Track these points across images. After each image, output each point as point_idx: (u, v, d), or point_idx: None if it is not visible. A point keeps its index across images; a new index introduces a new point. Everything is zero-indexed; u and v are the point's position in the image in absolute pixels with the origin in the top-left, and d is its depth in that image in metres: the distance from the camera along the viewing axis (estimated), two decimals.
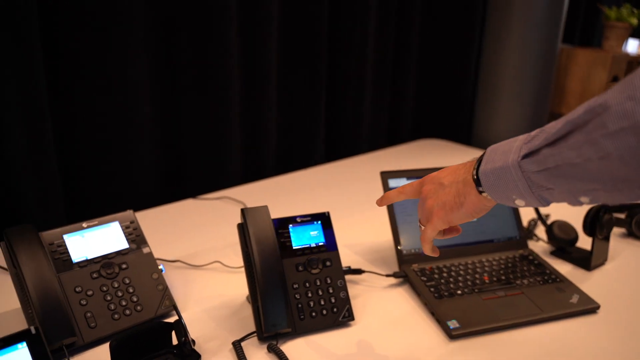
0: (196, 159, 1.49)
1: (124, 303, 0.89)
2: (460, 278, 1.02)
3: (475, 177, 0.62)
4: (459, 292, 0.98)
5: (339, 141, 1.85)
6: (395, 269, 1.08)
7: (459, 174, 0.65)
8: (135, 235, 0.96)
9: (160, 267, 0.97)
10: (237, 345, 0.85)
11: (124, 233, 0.95)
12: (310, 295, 0.89)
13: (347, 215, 1.34)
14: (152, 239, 1.07)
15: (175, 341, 0.81)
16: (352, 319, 0.91)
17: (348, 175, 1.65)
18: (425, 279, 1.01)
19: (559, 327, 0.92)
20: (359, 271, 1.05)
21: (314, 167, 1.72)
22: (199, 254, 1.15)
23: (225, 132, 1.49)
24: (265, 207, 0.91)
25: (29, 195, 1.22)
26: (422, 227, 0.71)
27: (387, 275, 1.05)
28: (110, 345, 0.74)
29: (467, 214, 0.64)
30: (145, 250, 0.96)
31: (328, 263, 0.92)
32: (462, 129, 2.13)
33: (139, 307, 0.90)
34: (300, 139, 1.72)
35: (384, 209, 1.23)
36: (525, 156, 0.56)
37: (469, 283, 1.01)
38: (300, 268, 0.91)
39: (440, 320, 0.91)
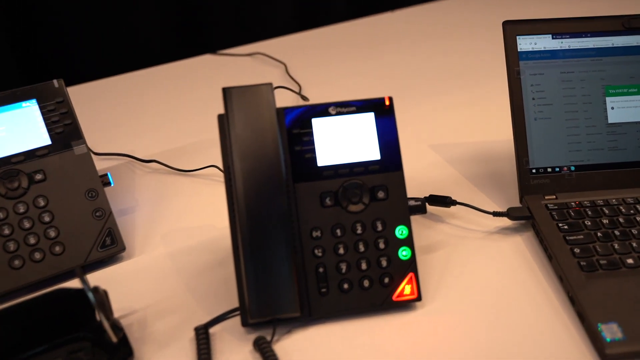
0: None
1: (32, 241, 0.63)
2: (635, 232, 0.62)
3: None
4: (631, 261, 0.59)
5: None
6: (511, 202, 0.71)
7: None
8: (62, 124, 0.67)
9: (107, 175, 0.67)
10: (201, 334, 0.52)
11: (44, 120, 0.66)
12: (341, 251, 0.58)
13: (422, 101, 0.97)
14: (130, 117, 0.94)
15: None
16: (418, 298, 0.58)
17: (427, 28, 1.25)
18: (566, 227, 0.64)
19: None
20: (442, 202, 0.70)
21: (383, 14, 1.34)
22: (191, 150, 0.87)
23: None
24: (268, 87, 0.57)
25: None
26: None
27: (494, 214, 0.68)
28: None
29: None
30: (79, 149, 0.67)
31: (381, 194, 0.59)
32: None
33: (57, 248, 0.63)
34: None
35: (493, 89, 0.87)
36: None
37: None
38: (329, 202, 0.58)
39: (587, 320, 0.54)
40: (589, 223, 0.64)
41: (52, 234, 0.62)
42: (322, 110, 0.59)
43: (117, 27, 1.20)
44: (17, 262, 0.61)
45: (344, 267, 0.57)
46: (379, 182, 0.59)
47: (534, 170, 0.69)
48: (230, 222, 0.56)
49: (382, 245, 0.58)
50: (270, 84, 0.57)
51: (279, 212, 0.54)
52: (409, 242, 0.58)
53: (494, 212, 0.68)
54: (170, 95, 1.04)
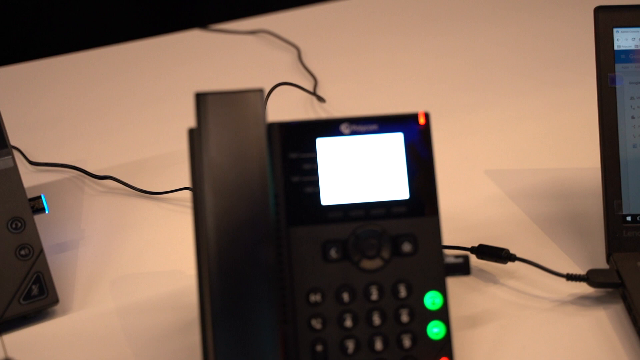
0: None
1: None
2: None
3: None
4: None
5: None
6: (595, 260, 0.73)
7: None
8: None
9: (41, 199, 0.70)
10: None
11: None
12: (349, 323, 0.59)
13: (479, 110, 0.99)
14: (83, 113, 0.99)
15: None
16: None
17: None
18: None
19: None
20: (496, 255, 0.70)
21: None
22: (161, 165, 0.89)
23: None
24: (257, 94, 0.58)
25: None
26: None
27: (568, 277, 0.68)
28: None
29: None
30: (3, 163, 0.69)
31: (407, 247, 0.59)
32: None
33: None
34: None
35: (577, 97, 0.89)
36: None
37: None
38: (334, 254, 0.59)
39: None
40: None
41: None
42: (332, 127, 0.60)
43: None
44: None
45: (351, 345, 0.58)
46: (406, 230, 0.60)
47: (628, 218, 0.70)
48: (197, 274, 0.57)
49: (405, 318, 0.59)
50: (261, 90, 0.58)
51: (263, 267, 0.55)
52: (443, 314, 0.59)
53: (568, 274, 0.68)
54: (139, 85, 1.07)
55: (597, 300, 0.68)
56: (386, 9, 1.30)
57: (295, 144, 0.60)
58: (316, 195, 0.59)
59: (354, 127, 0.60)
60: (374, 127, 0.60)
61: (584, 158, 0.80)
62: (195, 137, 0.57)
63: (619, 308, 0.67)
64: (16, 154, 0.88)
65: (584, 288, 0.68)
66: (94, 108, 1.01)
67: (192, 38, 1.21)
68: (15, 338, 0.65)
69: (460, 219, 0.78)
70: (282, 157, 0.59)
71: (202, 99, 0.57)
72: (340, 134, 0.60)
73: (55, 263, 0.71)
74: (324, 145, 0.60)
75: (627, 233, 0.69)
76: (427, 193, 0.60)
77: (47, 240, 0.73)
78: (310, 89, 1.01)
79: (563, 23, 1.19)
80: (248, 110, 0.57)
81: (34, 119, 0.97)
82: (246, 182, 0.56)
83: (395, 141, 0.60)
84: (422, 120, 0.61)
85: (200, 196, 0.56)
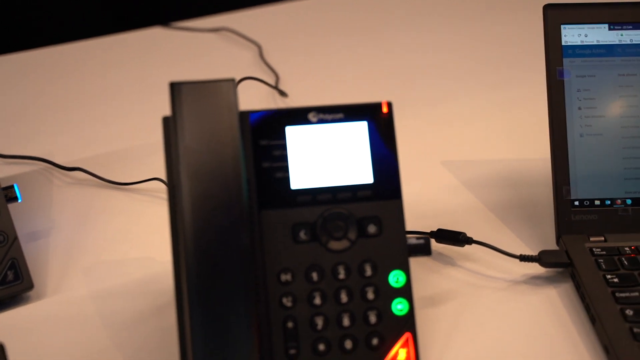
0: None
1: None
2: None
3: None
4: None
5: None
6: (545, 242, 0.76)
7: None
8: None
9: (13, 188, 0.71)
10: None
11: None
12: (318, 301, 0.61)
13: (435, 104, 1.02)
14: (50, 107, 1.00)
15: None
16: None
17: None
18: (617, 280, 0.67)
19: None
20: (454, 239, 0.73)
21: None
22: (129, 156, 0.91)
23: None
24: (229, 84, 0.60)
25: None
26: None
27: (521, 258, 0.71)
28: None
29: None
30: None
31: (372, 228, 0.62)
32: None
33: None
34: None
35: (527, 92, 0.90)
36: None
37: None
38: (303, 236, 0.61)
39: None
40: None
41: None
42: (300, 116, 0.62)
43: None
44: None
45: (320, 322, 0.60)
46: (371, 212, 0.61)
47: (576, 203, 0.73)
48: (173, 258, 0.59)
49: (371, 296, 0.61)
50: (233, 80, 0.60)
51: (238, 249, 0.57)
52: (406, 292, 0.61)
53: (521, 255, 0.71)
54: (105, 80, 1.08)
55: (548, 280, 0.71)
56: (344, 9, 1.32)
57: (266, 131, 0.61)
58: (286, 180, 0.61)
59: (321, 116, 0.62)
60: (340, 115, 0.62)
61: (536, 149, 0.83)
62: (170, 125, 0.59)
63: (568, 287, 0.70)
64: None
65: (536, 269, 0.72)
66: (60, 102, 1.02)
67: (154, 35, 1.21)
68: None
69: (419, 206, 0.80)
70: (253, 144, 0.61)
71: (176, 88, 0.59)
72: (308, 122, 0.62)
73: (29, 251, 0.72)
74: (293, 133, 0.62)
75: (575, 216, 0.72)
76: (390, 178, 0.62)
77: (20, 229, 0.73)
78: (273, 84, 1.03)
79: (514, 25, 1.23)
80: (221, 98, 0.59)
81: (1, 113, 0.98)
82: (220, 167, 0.57)
83: (360, 129, 0.62)
84: (385, 109, 0.63)
85: (175, 182, 0.57)
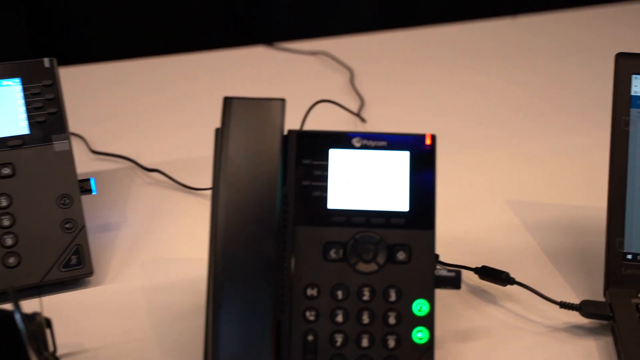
0: None
1: None
2: None
3: None
4: None
5: None
6: (595, 293, 0.73)
7: None
8: (46, 113, 0.74)
9: (89, 181, 0.74)
10: None
11: (25, 104, 0.74)
12: (340, 318, 0.61)
13: (509, 143, 1.02)
14: (145, 111, 1.04)
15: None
16: None
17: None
18: None
19: None
20: (496, 277, 0.72)
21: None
22: (206, 163, 0.89)
23: None
24: (279, 103, 0.62)
25: None
26: None
27: (561, 305, 0.69)
28: None
29: None
30: (60, 145, 0.74)
31: (402, 255, 0.61)
32: None
33: (12, 260, 0.71)
34: None
35: (598, 139, 0.82)
36: None
37: None
38: (334, 255, 0.62)
39: None
40: None
41: (9, 241, 0.70)
42: (345, 140, 0.63)
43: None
44: None
45: (339, 339, 0.60)
46: (402, 240, 0.62)
47: (629, 256, 0.70)
48: (208, 261, 0.61)
49: (392, 321, 0.61)
50: (283, 100, 0.62)
51: (264, 259, 0.59)
52: (428, 321, 0.61)
53: (561, 302, 0.69)
54: (202, 91, 1.12)
55: (589, 331, 0.69)
56: (433, 42, 1.32)
57: (310, 152, 0.63)
58: (323, 199, 0.62)
59: (365, 142, 0.63)
60: (384, 143, 0.63)
61: (600, 198, 0.81)
62: (218, 136, 0.61)
63: (609, 340, 0.67)
64: (79, 142, 0.95)
65: (577, 318, 0.69)
66: (157, 108, 1.08)
67: (258, 53, 1.25)
68: (52, 300, 0.70)
69: (474, 242, 0.80)
70: (296, 162, 0.62)
71: (228, 103, 0.61)
72: (352, 147, 0.63)
73: (97, 241, 0.76)
74: (336, 156, 0.62)
75: (625, 270, 0.70)
76: (425, 208, 0.62)
77: (93, 220, 0.78)
78: (356, 110, 1.04)
79: (587, 71, 1.20)
80: (268, 116, 0.61)
81: (101, 114, 1.05)
82: (257, 181, 0.59)
83: (402, 158, 0.63)
84: (428, 142, 0.63)
85: (216, 190, 0.60)
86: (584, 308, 0.68)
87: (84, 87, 1.12)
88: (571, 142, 1.00)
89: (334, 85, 1.13)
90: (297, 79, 1.18)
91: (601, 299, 0.70)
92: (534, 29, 1.35)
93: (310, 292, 0.61)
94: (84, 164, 0.91)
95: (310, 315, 0.61)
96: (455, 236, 0.79)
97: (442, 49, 1.28)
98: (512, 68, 1.21)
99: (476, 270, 0.73)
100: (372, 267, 0.62)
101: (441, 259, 0.73)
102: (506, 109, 1.09)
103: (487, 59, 1.24)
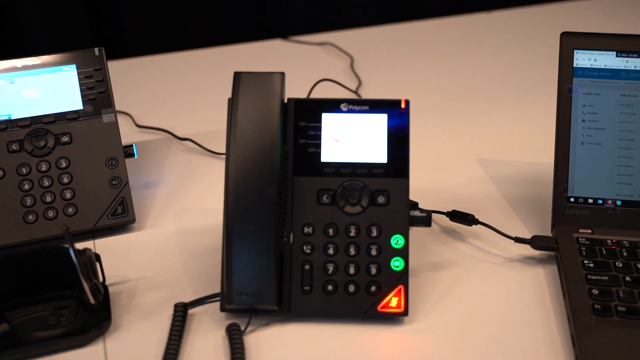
0: None
1: (48, 199, 0.75)
2: None
3: None
4: None
5: None
6: (545, 230, 0.75)
7: None
8: (96, 92, 0.78)
9: (132, 147, 0.78)
10: (178, 311, 0.60)
11: (80, 86, 0.78)
12: (331, 251, 0.64)
13: (485, 112, 1.02)
14: (183, 93, 1.07)
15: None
16: (404, 312, 0.63)
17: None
18: (592, 265, 0.66)
19: None
20: (463, 219, 0.73)
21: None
22: None
23: None
24: (278, 76, 0.65)
25: None
26: None
27: (516, 240, 0.72)
28: None
29: None
30: (107, 118, 0.78)
31: (381, 199, 0.64)
32: None
33: (70, 210, 0.76)
34: None
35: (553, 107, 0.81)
36: None
37: None
38: (325, 199, 0.65)
39: None
40: (620, 265, 0.67)
41: (68, 195, 0.75)
42: (334, 105, 0.66)
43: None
44: (31, 217, 0.74)
45: (331, 268, 0.64)
46: (381, 186, 0.65)
47: (572, 199, 0.73)
48: (223, 205, 0.64)
49: (374, 252, 0.64)
50: (282, 74, 0.66)
51: (267, 202, 0.62)
52: (403, 253, 0.64)
53: (516, 237, 0.72)
54: (228, 76, 1.09)
55: (539, 261, 0.72)
56: (434, 31, 1.31)
57: (306, 115, 0.66)
58: (317, 154, 0.66)
59: (351, 106, 0.66)
60: (366, 107, 0.66)
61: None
62: (230, 105, 0.65)
63: (554, 268, 0.70)
64: (127, 118, 1.00)
65: (530, 250, 0.72)
66: (188, 91, 1.10)
67: (274, 46, 1.28)
68: (103, 242, 0.76)
69: (447, 192, 0.83)
70: (294, 124, 0.66)
71: (237, 76, 0.66)
72: (340, 111, 0.66)
73: (139, 195, 0.82)
74: (327, 119, 0.66)
75: (569, 210, 0.73)
76: (401, 160, 0.65)
77: (136, 179, 0.84)
78: (355, 89, 1.06)
79: (544, 56, 1.17)
80: (270, 86, 0.65)
81: (144, 97, 1.08)
82: (261, 138, 0.64)
83: (381, 119, 0.66)
84: (402, 105, 0.66)
85: (228, 147, 0.64)
86: (534, 242, 0.72)
87: (133, 75, 1.15)
88: (532, 111, 1.01)
89: (337, 69, 1.15)
90: (306, 65, 1.20)
91: (549, 234, 0.73)
92: (504, 22, 1.33)
93: (307, 229, 0.65)
94: (130, 136, 0.95)
95: (307, 249, 0.65)
96: (432, 188, 0.83)
97: (429, 39, 1.29)
98: (490, 54, 1.21)
99: (447, 214, 0.76)
100: (357, 209, 0.65)
101: (420, 206, 0.74)
102: (483, 88, 1.10)
103: (467, 47, 1.24)
